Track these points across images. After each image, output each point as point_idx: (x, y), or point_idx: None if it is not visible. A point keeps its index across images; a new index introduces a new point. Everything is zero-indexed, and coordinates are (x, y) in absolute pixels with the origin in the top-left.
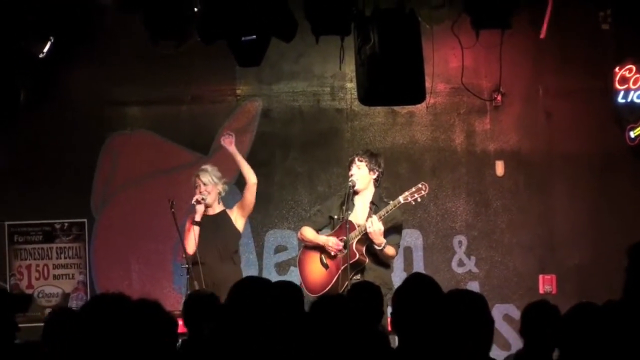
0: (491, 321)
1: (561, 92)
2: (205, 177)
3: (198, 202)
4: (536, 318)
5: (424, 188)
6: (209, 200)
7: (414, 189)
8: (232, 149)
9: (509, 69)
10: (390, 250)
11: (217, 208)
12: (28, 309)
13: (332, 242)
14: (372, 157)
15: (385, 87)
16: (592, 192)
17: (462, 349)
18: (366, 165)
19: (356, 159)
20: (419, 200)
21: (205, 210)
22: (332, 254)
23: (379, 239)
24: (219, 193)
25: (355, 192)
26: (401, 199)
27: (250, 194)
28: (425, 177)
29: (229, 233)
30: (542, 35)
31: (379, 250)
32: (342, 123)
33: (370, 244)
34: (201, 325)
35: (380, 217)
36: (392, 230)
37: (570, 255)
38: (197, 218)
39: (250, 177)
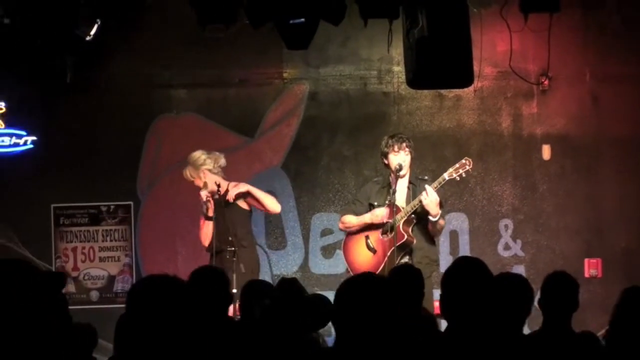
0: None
1: (608, 76)
2: (185, 174)
3: (207, 199)
4: (554, 288)
5: (467, 163)
6: (209, 189)
7: (457, 165)
8: (247, 192)
9: (556, 52)
10: (442, 221)
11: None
12: (63, 287)
13: (378, 213)
14: (411, 141)
15: (433, 71)
16: (638, 176)
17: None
18: (410, 151)
19: (404, 145)
20: (463, 175)
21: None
22: (385, 222)
23: (435, 209)
24: (210, 171)
25: (401, 177)
26: (446, 175)
27: (269, 209)
28: (471, 161)
29: (236, 216)
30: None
31: (434, 221)
32: (389, 106)
33: (415, 225)
34: (254, 307)
35: (435, 188)
36: None
37: (617, 239)
38: (209, 213)
39: (275, 207)
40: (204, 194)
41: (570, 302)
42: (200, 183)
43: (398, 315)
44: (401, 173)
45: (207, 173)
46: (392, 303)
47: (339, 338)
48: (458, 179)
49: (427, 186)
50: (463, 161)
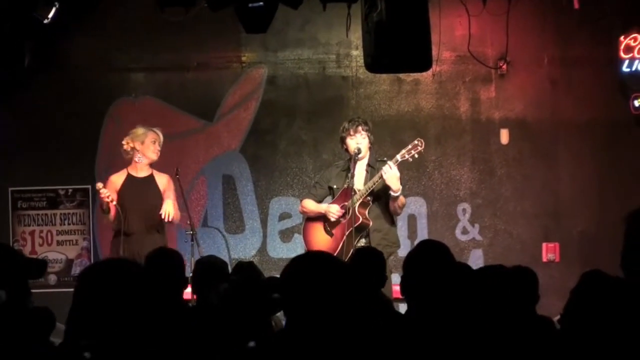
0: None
1: (566, 60)
2: (161, 137)
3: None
4: (515, 284)
5: (419, 144)
6: (152, 158)
7: (410, 146)
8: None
9: (514, 37)
10: (403, 198)
11: (146, 170)
12: (43, 275)
13: (333, 209)
14: (368, 124)
15: (392, 55)
16: (596, 160)
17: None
18: (367, 134)
19: (360, 128)
20: (416, 156)
21: (132, 169)
22: (333, 220)
23: (396, 184)
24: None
25: (360, 159)
26: (399, 157)
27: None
28: (429, 145)
29: (155, 199)
30: (576, 6)
31: (396, 196)
32: (348, 91)
33: (372, 207)
34: (209, 291)
35: (396, 162)
36: None
37: (574, 223)
38: (104, 207)
39: (177, 219)
40: (104, 193)
41: (530, 297)
42: (156, 149)
43: (353, 297)
44: (359, 156)
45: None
46: (342, 283)
47: (288, 320)
48: (411, 160)
49: (388, 162)
50: (415, 142)
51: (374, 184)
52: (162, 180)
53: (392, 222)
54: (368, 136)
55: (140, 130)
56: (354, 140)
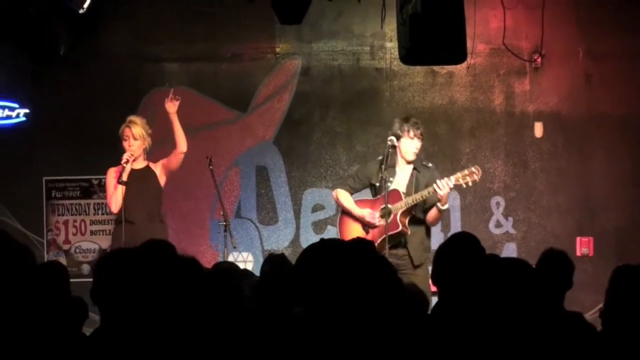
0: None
1: (601, 54)
2: (136, 129)
3: (127, 161)
4: (550, 265)
5: (477, 172)
6: (135, 154)
7: (466, 172)
8: (173, 113)
9: (549, 30)
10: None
11: (141, 162)
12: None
13: (367, 216)
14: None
15: (426, 47)
16: (631, 154)
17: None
18: (421, 139)
19: (419, 132)
20: (470, 184)
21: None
22: (373, 224)
23: (445, 199)
24: (145, 148)
25: (408, 163)
26: (453, 179)
27: (177, 160)
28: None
29: (155, 190)
30: None
31: (443, 209)
32: (382, 83)
33: (414, 216)
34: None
35: (453, 181)
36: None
37: (608, 217)
38: (124, 178)
39: (182, 145)
40: (127, 156)
41: (564, 280)
42: (137, 145)
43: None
44: (411, 159)
45: (146, 147)
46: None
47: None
48: (464, 186)
49: (444, 179)
50: (473, 169)
51: (423, 197)
52: (159, 169)
53: (429, 230)
54: (421, 140)
55: (121, 130)
56: (413, 144)
